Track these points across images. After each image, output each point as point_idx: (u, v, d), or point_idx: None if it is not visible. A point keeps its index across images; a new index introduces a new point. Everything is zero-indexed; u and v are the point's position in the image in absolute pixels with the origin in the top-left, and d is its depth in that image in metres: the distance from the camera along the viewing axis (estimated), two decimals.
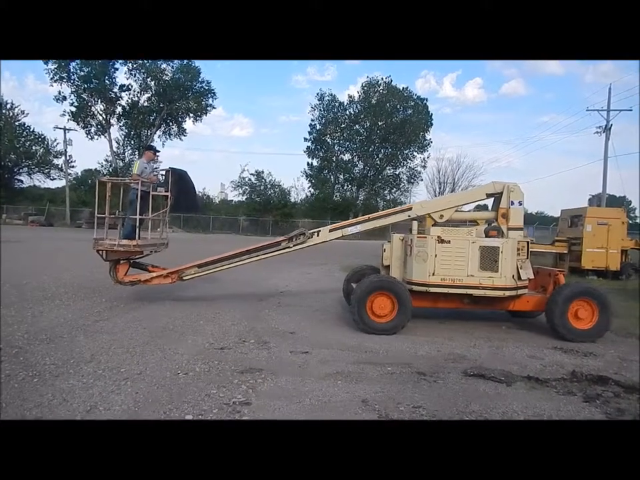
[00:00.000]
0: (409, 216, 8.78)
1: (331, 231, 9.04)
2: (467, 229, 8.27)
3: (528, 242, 8.15)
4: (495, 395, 4.90)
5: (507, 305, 8.15)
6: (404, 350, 6.62)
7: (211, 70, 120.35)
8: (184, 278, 9.04)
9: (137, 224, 9.02)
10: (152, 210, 9.24)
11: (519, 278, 7.73)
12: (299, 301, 10.36)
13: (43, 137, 57.56)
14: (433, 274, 7.65)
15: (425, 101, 59.32)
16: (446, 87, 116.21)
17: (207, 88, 54.78)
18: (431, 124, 59.29)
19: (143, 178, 9.16)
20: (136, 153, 53.46)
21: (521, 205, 8.42)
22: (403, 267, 8.26)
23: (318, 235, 8.97)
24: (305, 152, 59.63)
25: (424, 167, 59.76)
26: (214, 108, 57.47)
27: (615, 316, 9.46)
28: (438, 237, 7.72)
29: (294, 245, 8.93)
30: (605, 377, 5.51)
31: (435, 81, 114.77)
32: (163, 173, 9.73)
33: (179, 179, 9.52)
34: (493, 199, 8.77)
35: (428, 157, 59.50)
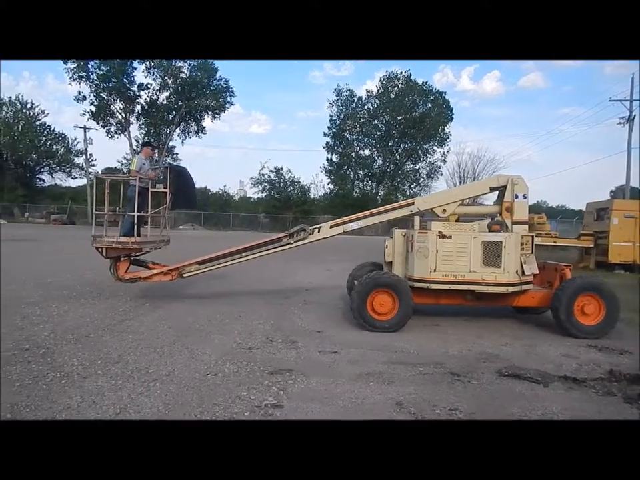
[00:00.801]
0: (411, 211, 8.58)
1: (332, 226, 8.90)
2: (469, 224, 8.06)
3: (532, 236, 7.97)
4: (532, 396, 4.73)
5: (511, 301, 7.96)
6: (434, 349, 6.46)
7: (227, 67, 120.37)
8: (184, 275, 8.98)
9: (135, 221, 8.96)
10: (152, 207, 9.18)
11: (523, 273, 7.53)
12: (324, 298, 10.25)
13: (63, 136, 58.59)
14: (434, 270, 7.47)
15: (444, 95, 58.80)
16: (464, 80, 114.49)
17: (224, 85, 54.94)
18: (451, 118, 58.78)
19: (141, 174, 9.16)
20: (155, 151, 53.84)
21: (525, 198, 8.21)
22: (405, 263, 8.08)
23: (319, 231, 8.87)
24: (324, 148, 59.65)
25: (444, 161, 59.29)
26: (232, 105, 57.62)
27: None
28: (439, 232, 7.53)
29: (295, 241, 8.83)
30: None
31: (452, 75, 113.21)
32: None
33: (178, 176, 9.46)
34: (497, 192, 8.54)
35: (448, 152, 58.97)
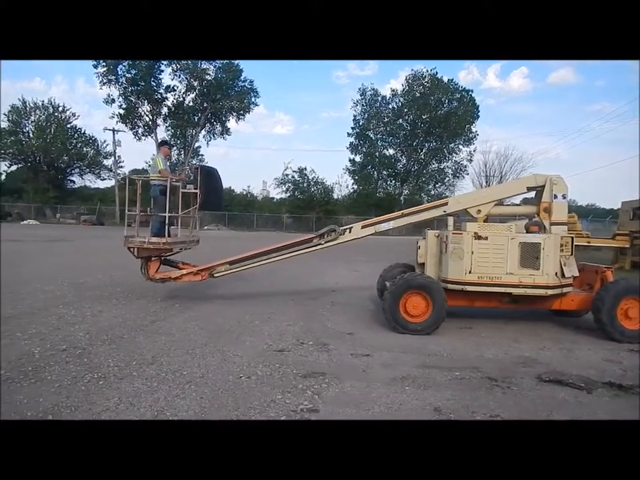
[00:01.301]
0: (445, 211, 8.40)
1: (363, 227, 8.77)
2: (505, 225, 7.86)
3: (572, 237, 7.74)
4: (577, 404, 4.57)
5: (550, 304, 7.74)
6: (469, 352, 6.33)
7: (251, 67, 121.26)
8: (215, 275, 8.98)
9: (167, 220, 8.97)
10: (182, 207, 9.20)
11: (563, 275, 7.31)
12: (352, 299, 10.16)
13: (93, 138, 59.64)
14: (470, 272, 7.30)
15: (470, 93, 58.05)
16: (490, 77, 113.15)
17: (249, 87, 55.21)
18: (478, 116, 57.98)
19: (173, 175, 9.18)
20: (182, 152, 54.40)
21: (565, 198, 7.98)
22: (438, 264, 7.92)
23: (350, 232, 8.74)
24: (347, 148, 59.40)
25: (470, 160, 58.50)
26: (256, 105, 57.84)
27: None
28: (475, 232, 7.36)
29: (325, 242, 8.74)
30: None
31: (478, 72, 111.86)
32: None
33: (208, 176, 9.47)
34: (534, 192, 8.33)
35: (474, 151, 58.20)
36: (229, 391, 4.60)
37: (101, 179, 61.75)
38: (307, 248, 8.92)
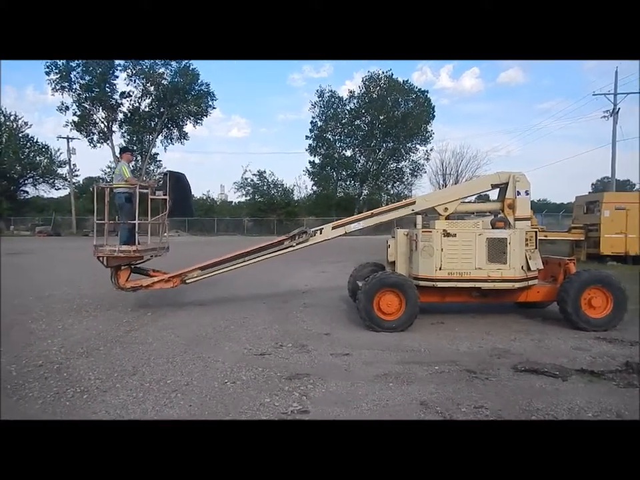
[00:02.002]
0: (413, 210, 8.61)
1: (333, 228, 8.89)
2: (472, 221, 8.12)
3: (536, 232, 8.03)
4: (554, 391, 4.77)
5: (517, 297, 8.03)
6: (445, 347, 6.50)
7: (205, 71, 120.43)
8: (187, 281, 8.91)
9: (136, 228, 8.86)
10: (151, 214, 9.10)
11: (529, 269, 7.60)
12: (323, 300, 10.22)
13: (46, 147, 57.79)
14: (440, 268, 7.51)
15: (426, 93, 59.17)
16: (443, 78, 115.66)
17: (205, 90, 54.54)
18: (433, 116, 59.12)
19: (140, 182, 9.12)
20: (139, 158, 53.30)
21: (527, 194, 8.29)
22: (409, 262, 8.12)
23: (320, 233, 8.83)
24: (306, 150, 59.57)
25: (427, 159, 59.55)
26: (214, 108, 57.21)
27: None
28: (444, 230, 7.58)
29: (297, 244, 8.80)
30: None
31: (431, 73, 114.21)
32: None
33: (177, 182, 9.37)
34: (498, 189, 8.61)
35: (431, 150, 59.28)
36: (216, 397, 4.59)
37: (56, 189, 60.00)
38: (279, 250, 8.94)
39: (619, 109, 35.40)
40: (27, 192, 59.09)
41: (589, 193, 38.72)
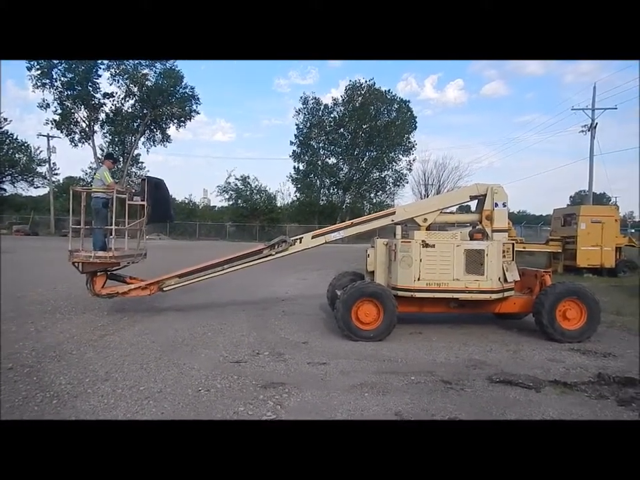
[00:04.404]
0: (392, 220, 8.65)
1: (313, 237, 8.88)
2: (451, 233, 8.18)
3: (513, 244, 8.12)
4: (527, 402, 4.80)
5: (494, 308, 8.12)
6: (422, 357, 6.51)
7: (191, 74, 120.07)
8: (164, 289, 8.82)
9: (113, 234, 8.75)
10: (128, 219, 8.97)
11: (505, 280, 7.68)
12: (303, 308, 10.20)
13: (26, 144, 56.84)
14: (419, 279, 7.55)
15: (408, 103, 59.66)
16: (427, 89, 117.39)
17: (190, 93, 54.18)
18: (415, 126, 59.61)
19: (119, 187, 9.04)
20: (120, 159, 52.69)
21: (505, 206, 8.38)
22: (388, 272, 8.14)
23: (300, 242, 8.82)
24: (290, 156, 59.58)
25: (409, 169, 60.04)
26: (198, 113, 56.83)
27: (622, 314, 9.56)
28: (422, 241, 7.63)
29: (276, 253, 8.78)
30: (632, 379, 5.47)
31: (416, 83, 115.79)
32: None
33: (156, 188, 9.28)
34: (476, 201, 8.71)
35: (414, 160, 59.73)
36: (190, 405, 4.53)
37: (34, 187, 59.00)
38: (259, 259, 8.90)
39: (597, 123, 36.11)
40: (5, 189, 58.07)
41: (567, 205, 39.45)
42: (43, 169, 56.72)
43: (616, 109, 37.00)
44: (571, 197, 74.43)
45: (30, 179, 57.58)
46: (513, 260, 7.90)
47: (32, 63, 47.51)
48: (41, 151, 56.35)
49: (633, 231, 30.15)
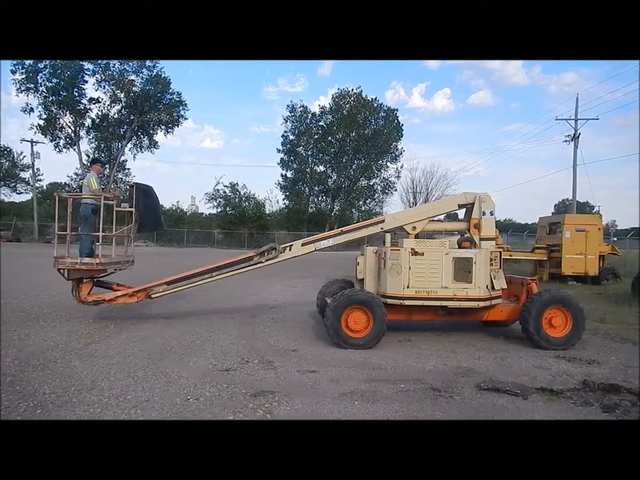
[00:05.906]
0: (382, 228, 8.67)
1: (303, 245, 8.89)
2: (439, 241, 8.24)
3: (500, 252, 8.19)
4: (515, 410, 4.83)
5: (481, 315, 8.17)
6: (411, 365, 6.51)
7: (179, 80, 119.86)
8: (152, 296, 8.75)
9: (100, 240, 8.67)
10: (116, 226, 8.90)
11: (493, 288, 7.75)
12: (292, 316, 10.16)
13: (9, 149, 56.22)
14: (408, 286, 7.59)
15: (395, 112, 59.98)
16: (415, 97, 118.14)
17: (177, 99, 53.97)
18: (401, 135, 59.93)
19: (106, 193, 8.94)
20: (107, 165, 52.25)
21: (492, 214, 8.44)
22: (377, 280, 8.17)
23: (290, 250, 8.81)
24: (278, 164, 59.53)
25: (398, 177, 60.21)
26: (185, 119, 56.60)
27: (605, 322, 9.67)
28: (412, 249, 7.67)
29: (266, 260, 8.76)
30: (617, 385, 5.53)
31: (404, 92, 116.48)
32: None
33: (144, 195, 9.21)
34: (464, 209, 8.76)
35: (401, 168, 59.98)
36: (178, 414, 4.48)
37: (17, 193, 58.26)
38: (248, 266, 8.86)
39: (580, 134, 36.58)
40: None
41: (552, 214, 39.92)
42: (26, 175, 56.20)
43: (597, 119, 37.36)
44: (555, 205, 75.67)
45: (12, 184, 56.94)
46: (500, 268, 7.96)
47: (17, 66, 47.01)
48: (24, 156, 55.82)
49: (615, 239, 30.55)
